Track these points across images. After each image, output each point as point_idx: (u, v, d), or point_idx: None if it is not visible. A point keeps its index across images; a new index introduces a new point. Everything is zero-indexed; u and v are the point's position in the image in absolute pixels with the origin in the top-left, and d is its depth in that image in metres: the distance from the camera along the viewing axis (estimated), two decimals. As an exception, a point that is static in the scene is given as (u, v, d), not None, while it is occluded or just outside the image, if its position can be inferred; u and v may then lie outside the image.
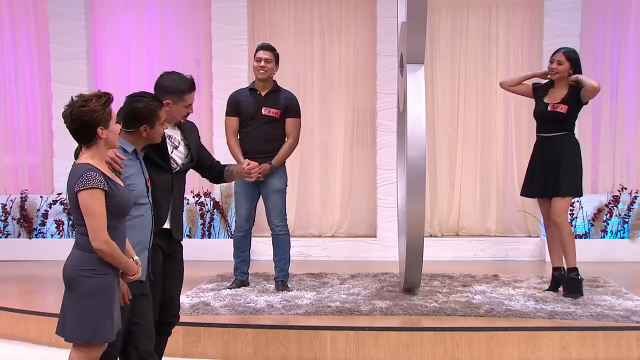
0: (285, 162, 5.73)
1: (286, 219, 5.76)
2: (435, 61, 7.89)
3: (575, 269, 5.25)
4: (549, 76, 5.37)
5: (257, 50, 5.68)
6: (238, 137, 5.69)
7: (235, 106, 5.67)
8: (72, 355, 3.15)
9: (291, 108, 5.68)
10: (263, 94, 5.65)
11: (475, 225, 7.96)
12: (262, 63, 5.60)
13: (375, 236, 7.80)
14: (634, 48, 7.81)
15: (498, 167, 7.95)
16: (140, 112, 3.47)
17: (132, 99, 3.55)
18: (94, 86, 7.93)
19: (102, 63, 8.20)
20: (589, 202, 7.46)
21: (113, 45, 8.17)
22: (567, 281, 5.30)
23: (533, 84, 5.52)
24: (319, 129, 8.09)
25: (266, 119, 5.59)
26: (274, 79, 5.75)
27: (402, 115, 5.60)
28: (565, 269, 5.32)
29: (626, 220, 7.46)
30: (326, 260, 7.61)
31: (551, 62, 5.32)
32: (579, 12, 7.52)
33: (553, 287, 5.45)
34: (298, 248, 7.72)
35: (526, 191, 5.52)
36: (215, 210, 7.75)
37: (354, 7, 8.03)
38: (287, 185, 5.76)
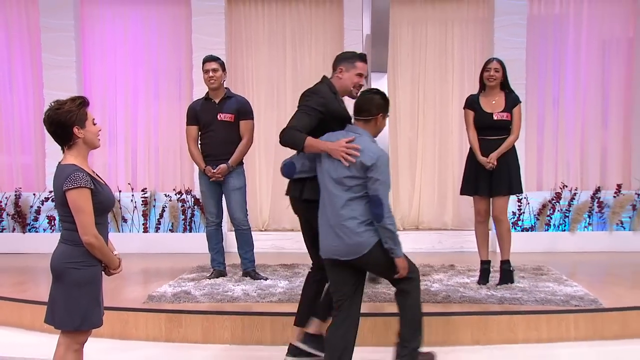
0: (243, 162, 5.69)
1: (247, 214, 5.69)
2: (397, 71, 7.92)
3: (509, 261, 5.28)
4: (488, 83, 5.20)
5: (203, 63, 5.63)
6: (199, 143, 5.67)
7: (193, 116, 5.64)
8: (60, 340, 3.10)
9: (244, 111, 5.64)
10: (217, 101, 5.62)
11: (434, 219, 8.00)
12: (211, 73, 5.58)
13: (343, 230, 7.79)
14: (572, 60, 7.93)
15: (454, 167, 7.99)
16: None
17: None
18: (83, 92, 7.82)
19: (91, 71, 8.08)
20: (534, 199, 7.58)
21: (101, 54, 8.06)
22: (501, 272, 5.30)
23: (467, 99, 5.36)
24: (292, 131, 8.05)
25: (222, 124, 5.56)
26: (225, 86, 5.72)
27: (366, 119, 5.60)
28: (501, 260, 5.30)
29: (567, 214, 7.54)
30: (298, 252, 7.54)
31: (488, 70, 5.22)
32: (524, 28, 7.60)
33: (483, 279, 5.35)
34: (272, 241, 7.71)
35: (469, 190, 5.32)
36: (195, 207, 7.69)
37: (322, 21, 8.02)
38: (245, 184, 5.68)
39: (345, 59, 4.02)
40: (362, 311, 3.69)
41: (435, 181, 8.00)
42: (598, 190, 7.61)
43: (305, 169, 3.85)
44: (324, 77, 4.09)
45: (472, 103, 5.27)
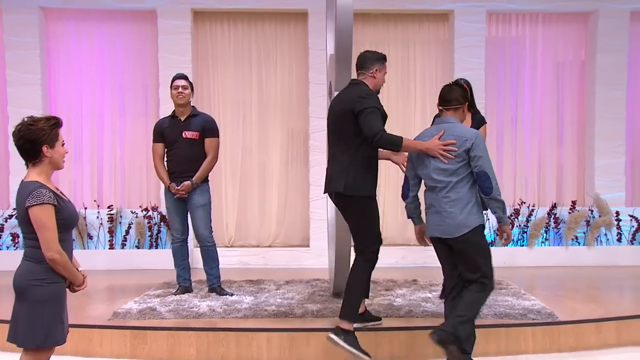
0: (208, 179, 5.67)
1: (212, 231, 5.66)
2: (360, 90, 7.99)
3: None
4: None
5: (173, 80, 5.61)
6: (165, 160, 5.64)
7: (159, 133, 5.61)
8: (22, 358, 3.03)
9: (209, 129, 5.63)
10: (183, 119, 5.60)
11: (397, 235, 8.04)
12: (180, 89, 5.57)
13: (308, 246, 7.80)
14: (529, 80, 8.11)
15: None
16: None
17: None
18: (48, 110, 7.71)
19: (56, 88, 7.96)
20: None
21: (66, 71, 7.96)
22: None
23: (434, 119, 5.41)
24: (257, 149, 8.05)
25: (187, 141, 5.54)
26: (192, 104, 5.71)
27: (331, 137, 5.62)
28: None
29: (525, 230, 7.66)
30: (264, 268, 7.55)
31: None
32: (483, 49, 7.75)
33: (445, 294, 5.38)
34: (239, 257, 7.66)
35: None
36: (161, 223, 7.60)
37: (287, 40, 8.06)
38: (210, 201, 5.66)
39: (379, 59, 4.39)
40: (325, 326, 3.68)
41: (399, 197, 8.00)
42: (554, 206, 7.76)
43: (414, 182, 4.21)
44: (356, 80, 4.39)
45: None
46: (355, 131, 4.18)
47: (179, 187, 5.49)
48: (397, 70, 8.02)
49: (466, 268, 3.94)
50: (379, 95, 4.40)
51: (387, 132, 4.08)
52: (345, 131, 4.25)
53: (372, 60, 4.38)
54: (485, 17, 7.81)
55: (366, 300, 4.91)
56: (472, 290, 3.91)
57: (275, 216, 8.06)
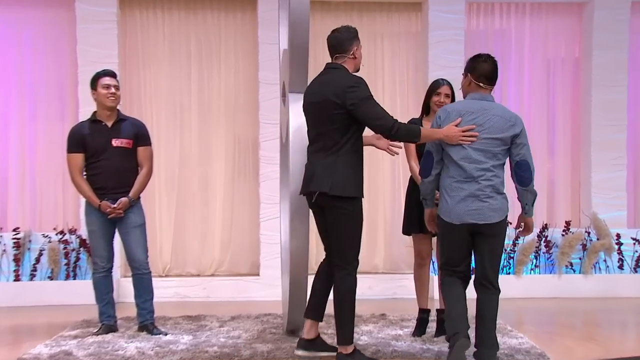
0: (139, 196, 5.65)
1: (148, 256, 5.66)
2: (319, 90, 8.05)
3: None
4: (437, 108, 5.24)
5: (100, 77, 5.59)
6: (85, 174, 5.57)
7: (79, 141, 5.54)
8: None
9: (142, 136, 5.65)
10: (110, 124, 5.58)
11: (363, 262, 7.96)
12: (112, 90, 5.56)
13: (258, 274, 7.80)
14: (515, 81, 8.30)
15: (385, 201, 8.15)
16: None
17: None
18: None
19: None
20: (475, 237, 7.78)
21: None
22: (439, 322, 5.41)
23: (409, 122, 5.40)
24: (198, 160, 8.04)
25: (118, 150, 5.52)
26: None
27: (284, 146, 5.66)
28: (437, 309, 5.43)
29: (511, 255, 7.76)
30: (205, 301, 7.52)
31: (438, 94, 5.33)
32: (462, 44, 7.88)
33: (419, 331, 5.47)
34: (175, 288, 7.62)
35: (414, 227, 5.42)
36: (81, 249, 7.51)
37: (234, 33, 8.09)
38: (145, 221, 5.69)
39: (355, 36, 4.65)
40: None
41: (365, 218, 8.06)
42: (545, 227, 7.87)
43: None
44: (334, 64, 4.62)
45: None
46: (342, 124, 4.43)
47: (115, 205, 5.45)
48: (363, 68, 8.02)
49: (489, 265, 4.42)
50: None
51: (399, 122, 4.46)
52: (330, 124, 4.46)
53: (350, 39, 4.63)
54: (464, 8, 7.97)
55: (326, 338, 4.93)
56: (494, 297, 4.48)
57: (219, 239, 8.05)
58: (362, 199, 4.59)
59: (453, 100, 5.35)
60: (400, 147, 4.99)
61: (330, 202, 4.47)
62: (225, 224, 8.07)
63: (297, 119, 5.01)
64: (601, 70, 8.01)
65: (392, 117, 4.45)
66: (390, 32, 8.22)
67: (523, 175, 4.41)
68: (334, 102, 4.42)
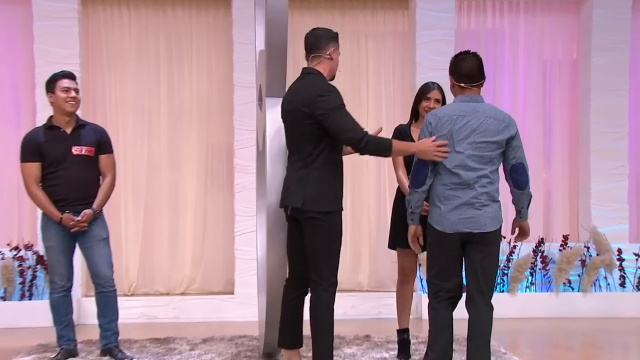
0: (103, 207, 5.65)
1: (114, 272, 5.64)
2: (299, 94, 8.05)
3: None
4: (426, 114, 5.33)
5: (58, 79, 5.56)
6: (44, 185, 5.52)
7: (35, 149, 5.49)
8: None
9: (104, 143, 5.64)
10: (69, 130, 5.55)
11: (346, 279, 8.05)
12: (73, 93, 5.54)
13: (232, 293, 7.77)
14: (508, 84, 8.34)
15: (370, 213, 8.15)
16: None
17: None
18: None
19: None
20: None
21: None
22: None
23: (396, 130, 5.51)
24: (167, 169, 8.02)
25: (78, 159, 5.49)
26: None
27: (261, 155, 5.65)
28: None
29: (505, 272, 7.76)
30: (175, 322, 7.48)
31: (427, 99, 5.34)
32: (451, 45, 7.90)
33: (404, 354, 5.48)
34: (141, 308, 7.57)
35: (401, 242, 5.38)
36: (38, 266, 7.44)
37: (206, 31, 8.08)
38: (109, 235, 5.68)
39: (334, 38, 4.72)
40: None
41: (347, 232, 8.09)
42: (541, 242, 7.89)
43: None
44: (307, 68, 4.68)
45: (402, 135, 5.34)
46: (313, 135, 4.49)
47: (79, 218, 5.41)
48: (346, 71, 8.11)
49: (483, 279, 4.43)
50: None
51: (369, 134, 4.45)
52: (302, 135, 4.54)
53: (328, 38, 4.69)
54: (454, 5, 8.01)
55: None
56: (487, 316, 4.49)
57: (190, 255, 8.01)
58: (342, 212, 4.61)
59: (444, 103, 5.35)
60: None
61: (305, 216, 4.52)
62: (197, 238, 8.04)
63: (275, 125, 5.01)
64: (601, 73, 8.07)
65: (363, 129, 4.47)
66: (375, 32, 8.25)
67: (519, 178, 4.47)
68: (303, 111, 4.49)
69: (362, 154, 4.54)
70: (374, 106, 8.16)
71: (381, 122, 7.95)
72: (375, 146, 4.47)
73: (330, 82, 4.65)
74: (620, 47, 8.10)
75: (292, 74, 4.91)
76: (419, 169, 4.52)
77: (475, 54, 4.57)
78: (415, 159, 4.58)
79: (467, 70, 4.48)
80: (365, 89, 8.19)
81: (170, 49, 8.04)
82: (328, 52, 4.66)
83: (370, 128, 7.85)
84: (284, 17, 4.89)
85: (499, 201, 4.46)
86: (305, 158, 4.53)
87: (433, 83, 5.46)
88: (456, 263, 4.47)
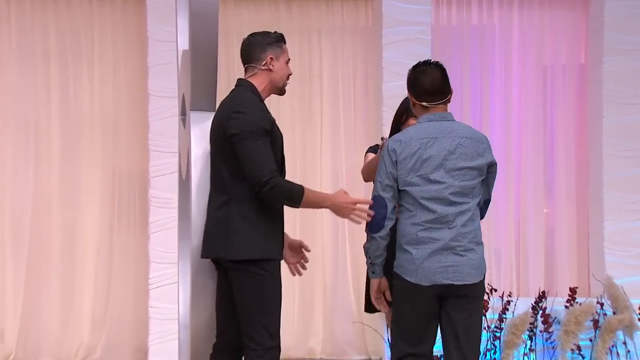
0: None
1: None
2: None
3: None
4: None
5: None
6: None
7: None
8: None
9: None
10: None
11: (294, 344, 8.07)
12: None
13: (145, 363, 7.72)
14: (500, 95, 8.42)
15: (325, 260, 8.15)
16: None
17: None
18: None
19: None
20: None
21: None
22: None
23: (370, 149, 5.62)
24: (60, 203, 7.97)
25: None
26: None
27: (184, 184, 5.65)
28: None
29: (497, 334, 7.73)
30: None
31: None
32: (427, 45, 7.96)
33: None
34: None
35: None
36: None
37: (112, 26, 8.05)
38: None
39: (272, 42, 4.68)
40: None
41: (296, 284, 8.06)
42: (543, 296, 7.89)
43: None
44: (240, 79, 4.68)
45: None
46: (231, 162, 4.47)
47: None
48: (293, 77, 8.07)
49: (467, 344, 4.45)
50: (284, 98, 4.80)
51: (280, 175, 4.38)
52: (220, 162, 4.54)
53: (263, 44, 4.67)
54: (431, -3, 8.08)
55: None
56: None
57: (89, 315, 7.94)
58: (280, 259, 4.60)
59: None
60: (362, 221, 4.78)
61: (232, 265, 4.52)
62: (100, 292, 7.97)
63: (202, 146, 5.01)
64: (615, 82, 8.11)
65: (274, 169, 4.42)
66: (331, 27, 8.29)
67: (482, 211, 4.72)
68: (218, 132, 4.54)
69: (262, 198, 4.46)
70: (329, 121, 8.19)
71: (339, 140, 8.02)
72: (281, 193, 4.44)
73: (269, 97, 4.67)
74: (638, 49, 8.15)
75: (225, 82, 4.94)
76: (375, 208, 4.54)
77: (437, 64, 4.64)
78: (373, 194, 4.61)
79: (429, 85, 4.54)
80: (317, 100, 8.24)
81: (64, 47, 8.01)
82: (264, 63, 4.65)
83: (325, 150, 8.05)
84: (214, 9, 4.91)
85: (482, 243, 4.54)
86: (225, 192, 4.54)
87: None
88: (430, 323, 4.48)
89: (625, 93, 8.14)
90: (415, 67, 4.64)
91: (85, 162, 8.00)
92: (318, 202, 4.56)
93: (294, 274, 4.91)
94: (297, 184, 4.50)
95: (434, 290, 4.39)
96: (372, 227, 4.54)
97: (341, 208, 4.42)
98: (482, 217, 4.66)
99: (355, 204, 4.43)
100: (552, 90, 8.53)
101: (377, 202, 4.54)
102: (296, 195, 4.44)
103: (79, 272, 7.97)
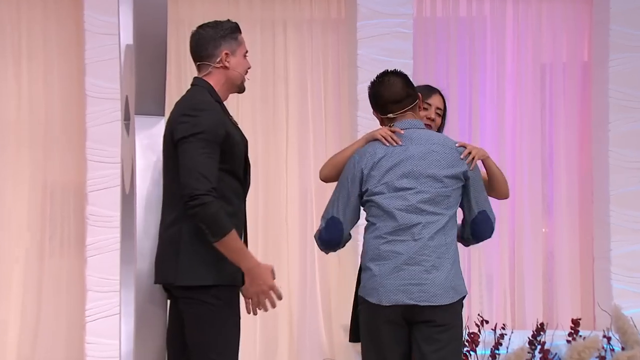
0: None
1: None
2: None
3: None
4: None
5: None
6: None
7: None
8: None
9: None
10: None
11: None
12: None
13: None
14: (491, 97, 8.52)
15: (291, 285, 8.20)
16: None
17: None
18: None
19: None
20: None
21: None
22: None
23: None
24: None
25: None
26: None
27: (128, 200, 5.67)
28: None
29: (490, 374, 7.89)
30: None
31: (426, 108, 5.37)
32: (409, 40, 8.08)
33: None
34: None
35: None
36: None
37: (43, 16, 8.06)
38: None
39: (226, 35, 4.62)
40: None
41: (258, 313, 8.08)
42: (541, 329, 7.97)
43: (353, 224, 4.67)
44: (195, 78, 4.65)
45: None
46: None
47: None
48: (254, 74, 8.16)
49: None
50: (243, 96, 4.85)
51: (217, 199, 4.29)
52: (173, 174, 4.49)
53: (216, 39, 4.62)
54: (413, -14, 8.17)
55: None
56: None
57: (13, 352, 7.92)
58: (237, 286, 4.54)
59: (444, 119, 5.41)
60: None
61: (182, 293, 4.51)
62: (26, 327, 7.94)
63: (148, 155, 5.02)
64: (622, 82, 8.24)
65: (213, 186, 4.33)
66: (298, 20, 8.34)
67: (486, 226, 4.87)
68: (166, 137, 4.55)
69: (186, 212, 4.36)
70: (296, 124, 8.22)
71: (307, 147, 8.06)
72: (208, 217, 4.28)
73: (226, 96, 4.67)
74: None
75: (177, 81, 4.97)
76: (329, 230, 4.61)
77: (394, 72, 4.75)
78: (327, 209, 4.67)
79: (391, 94, 4.64)
80: (283, 100, 8.29)
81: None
82: (218, 59, 4.62)
83: (291, 160, 8.08)
84: (163, -2, 4.96)
85: (458, 262, 4.55)
86: (175, 208, 4.48)
87: (435, 89, 5.40)
88: (396, 353, 4.48)
89: (634, 95, 8.25)
90: (372, 82, 4.73)
91: (11, 175, 7.98)
92: (237, 255, 4.37)
93: (249, 312, 4.71)
94: (228, 222, 4.33)
95: (398, 313, 4.39)
96: (325, 243, 4.68)
97: (256, 282, 4.38)
98: (484, 233, 4.79)
99: (270, 290, 4.41)
100: (551, 92, 8.62)
101: (334, 204, 4.62)
102: (219, 230, 4.29)
103: (3, 303, 7.94)
